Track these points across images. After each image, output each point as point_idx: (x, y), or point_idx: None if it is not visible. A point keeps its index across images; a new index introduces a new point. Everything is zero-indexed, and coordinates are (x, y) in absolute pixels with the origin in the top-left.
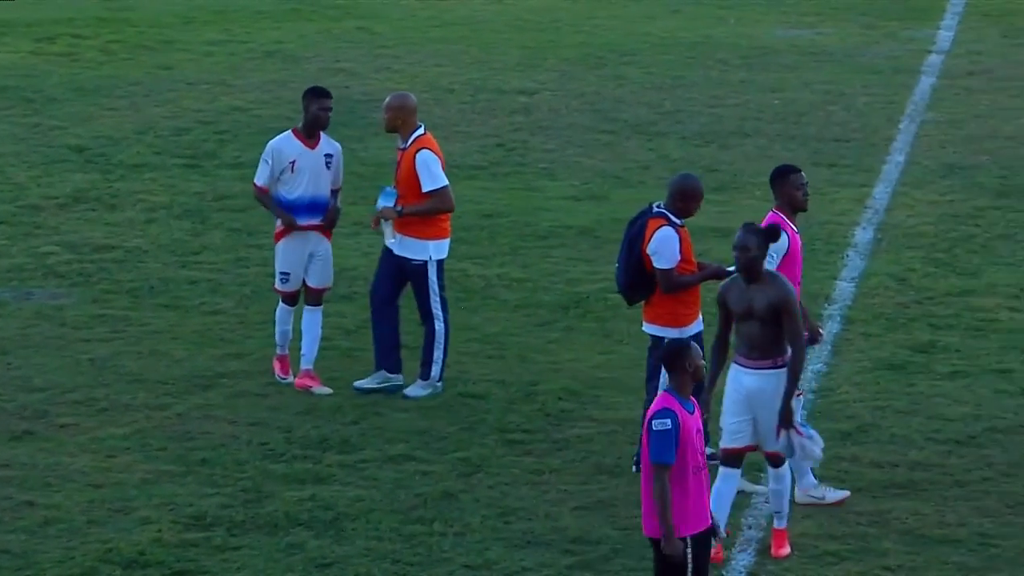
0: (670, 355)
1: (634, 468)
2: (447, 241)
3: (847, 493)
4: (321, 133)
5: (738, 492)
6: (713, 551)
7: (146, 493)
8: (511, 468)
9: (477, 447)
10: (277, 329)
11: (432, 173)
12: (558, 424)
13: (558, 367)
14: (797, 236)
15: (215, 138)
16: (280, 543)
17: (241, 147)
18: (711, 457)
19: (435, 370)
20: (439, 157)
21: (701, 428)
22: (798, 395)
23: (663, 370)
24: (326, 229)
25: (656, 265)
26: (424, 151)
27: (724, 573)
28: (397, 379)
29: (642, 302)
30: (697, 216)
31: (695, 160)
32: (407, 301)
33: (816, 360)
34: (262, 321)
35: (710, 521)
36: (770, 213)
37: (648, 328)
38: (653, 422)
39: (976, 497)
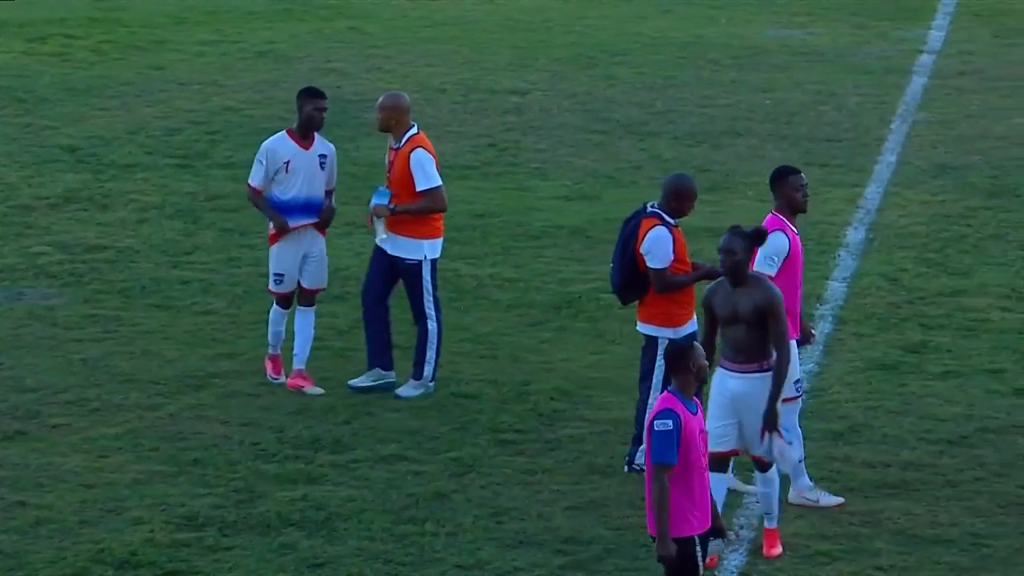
0: (673, 355)
1: (626, 468)
2: (440, 240)
3: (842, 500)
4: (315, 134)
5: (729, 491)
6: (708, 559)
7: (138, 493)
8: (503, 468)
9: (469, 447)
10: (270, 330)
11: (427, 172)
12: (550, 424)
13: (550, 367)
14: (798, 238)
15: (207, 138)
16: (272, 543)
17: (233, 147)
18: None
19: (427, 370)
20: (434, 157)
21: (704, 428)
22: (797, 398)
23: (656, 370)
24: (321, 227)
25: (649, 265)
26: (419, 150)
27: (716, 573)
28: (390, 376)
29: (636, 302)
30: (689, 216)
31: (687, 160)
32: (399, 301)
33: (808, 360)
34: (254, 321)
35: (710, 522)
36: (769, 215)
37: (642, 328)
38: (655, 422)
39: (968, 497)
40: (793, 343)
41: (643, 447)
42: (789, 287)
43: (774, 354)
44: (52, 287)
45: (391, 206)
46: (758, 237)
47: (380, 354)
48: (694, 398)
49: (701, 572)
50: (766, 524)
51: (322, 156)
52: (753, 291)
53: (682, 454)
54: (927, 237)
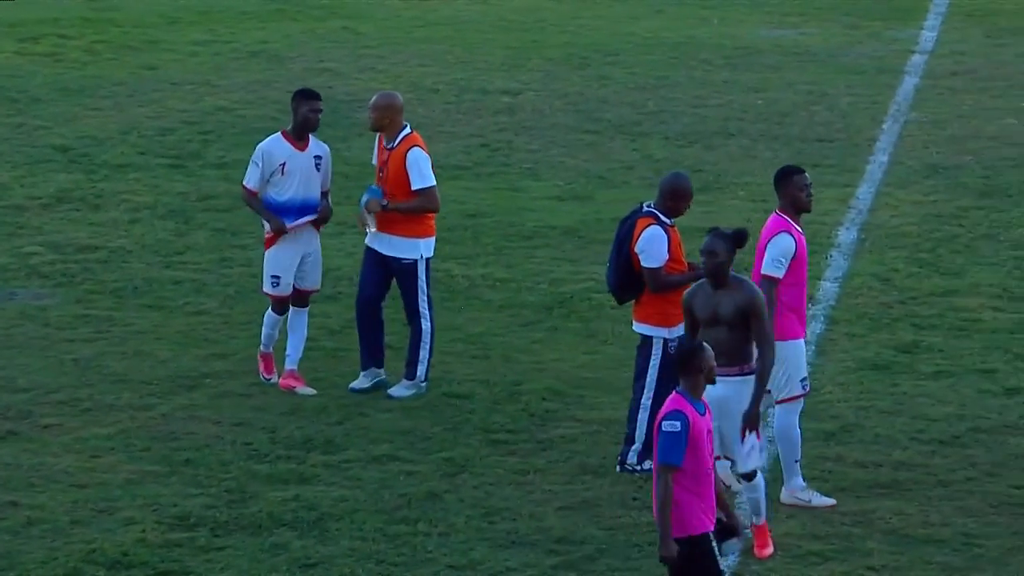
0: (683, 356)
1: (618, 468)
2: (434, 239)
3: (834, 502)
4: (309, 135)
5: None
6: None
7: (130, 493)
8: (495, 468)
9: (461, 447)
10: (264, 331)
11: (422, 172)
12: (542, 424)
13: (542, 367)
14: (803, 238)
15: (199, 138)
16: (264, 543)
17: (225, 147)
18: None
19: (420, 370)
20: (429, 156)
21: (711, 429)
22: (801, 397)
23: (651, 369)
24: (318, 224)
25: (643, 264)
26: (416, 149)
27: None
28: (383, 373)
29: (632, 301)
30: (682, 216)
31: (679, 160)
32: (392, 301)
33: None
34: (246, 321)
35: (714, 522)
36: (773, 215)
37: (638, 327)
38: (663, 423)
39: (960, 497)
40: (800, 341)
41: (636, 447)
42: (795, 286)
43: (756, 356)
44: (44, 287)
45: (384, 202)
46: (739, 239)
47: (374, 354)
48: (702, 399)
49: (721, 567)
50: (755, 521)
51: (317, 157)
52: (735, 293)
53: (690, 455)
54: (919, 237)
